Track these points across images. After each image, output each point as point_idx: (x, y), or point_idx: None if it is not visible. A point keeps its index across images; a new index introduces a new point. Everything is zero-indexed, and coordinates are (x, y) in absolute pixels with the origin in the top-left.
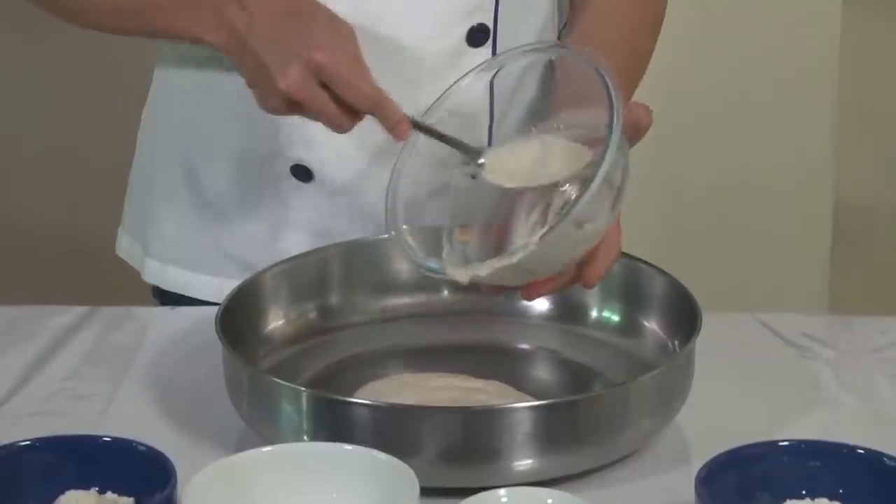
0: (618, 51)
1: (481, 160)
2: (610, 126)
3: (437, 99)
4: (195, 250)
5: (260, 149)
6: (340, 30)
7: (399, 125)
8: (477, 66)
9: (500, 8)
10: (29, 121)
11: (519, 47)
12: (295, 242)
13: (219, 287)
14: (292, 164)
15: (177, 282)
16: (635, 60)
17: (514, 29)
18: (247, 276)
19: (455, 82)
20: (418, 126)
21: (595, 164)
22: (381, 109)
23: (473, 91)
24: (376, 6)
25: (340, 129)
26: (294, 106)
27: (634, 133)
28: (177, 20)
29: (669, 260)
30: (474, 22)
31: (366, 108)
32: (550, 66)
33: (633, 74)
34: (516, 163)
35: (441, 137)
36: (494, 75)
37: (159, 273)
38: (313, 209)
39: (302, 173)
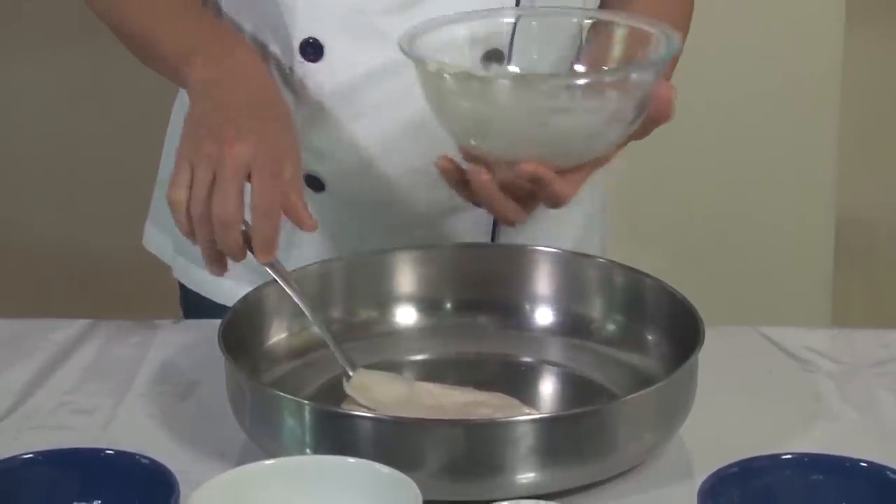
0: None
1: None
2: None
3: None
4: None
5: None
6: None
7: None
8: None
9: (516, 35)
10: (30, 134)
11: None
12: (309, 251)
13: (235, 292)
14: (304, 173)
15: (200, 281)
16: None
17: (531, 55)
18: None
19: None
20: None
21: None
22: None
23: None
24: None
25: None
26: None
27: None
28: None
29: (672, 273)
30: (489, 46)
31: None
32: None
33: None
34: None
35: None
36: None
37: (185, 271)
38: (326, 219)
39: (315, 183)
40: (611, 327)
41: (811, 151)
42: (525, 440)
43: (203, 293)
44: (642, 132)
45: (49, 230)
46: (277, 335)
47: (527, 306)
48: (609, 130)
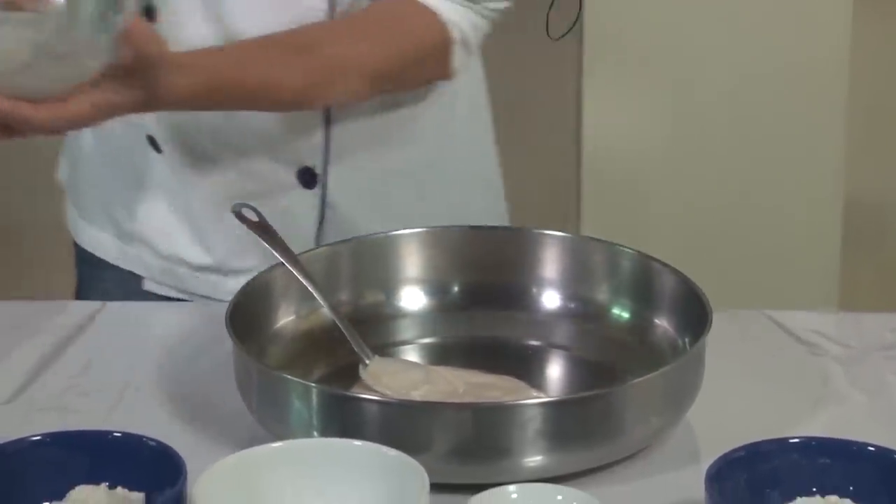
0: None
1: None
2: None
3: None
4: (83, 197)
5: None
6: None
7: None
8: None
9: (329, 154)
10: None
11: None
12: (153, 210)
13: (95, 239)
14: (147, 133)
15: (75, 223)
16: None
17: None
18: (116, 233)
19: None
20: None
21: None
22: None
23: None
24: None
25: None
26: None
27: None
28: None
29: (680, 257)
30: (302, 164)
31: None
32: None
33: (258, 54)
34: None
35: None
36: None
37: (70, 211)
38: (168, 180)
39: (154, 144)
40: (618, 311)
41: (819, 136)
42: (533, 423)
43: (73, 235)
44: (139, 73)
45: (52, 215)
46: (285, 318)
47: (534, 290)
48: (55, 62)
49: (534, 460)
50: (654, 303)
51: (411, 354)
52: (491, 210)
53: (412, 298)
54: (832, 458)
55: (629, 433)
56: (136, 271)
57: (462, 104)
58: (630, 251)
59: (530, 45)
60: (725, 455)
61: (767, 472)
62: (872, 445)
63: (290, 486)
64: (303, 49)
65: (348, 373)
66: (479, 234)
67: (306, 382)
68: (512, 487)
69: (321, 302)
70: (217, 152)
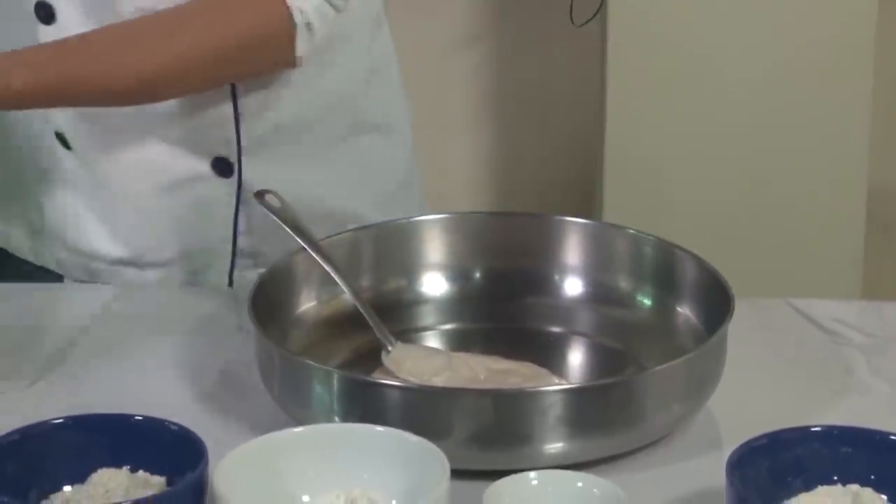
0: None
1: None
2: None
3: None
4: None
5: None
6: None
7: None
8: None
9: (242, 142)
10: None
11: None
12: (66, 205)
13: (7, 235)
14: (55, 130)
15: None
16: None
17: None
18: (27, 230)
19: None
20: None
21: None
22: None
23: None
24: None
25: None
26: None
27: None
28: None
29: (703, 245)
30: (216, 154)
31: None
32: None
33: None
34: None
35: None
36: None
37: None
38: (79, 176)
39: (63, 141)
40: (640, 298)
41: (843, 123)
42: (554, 410)
43: None
44: None
45: None
46: (307, 303)
47: (556, 276)
48: None
49: (554, 447)
50: (676, 290)
51: (432, 340)
52: (407, 199)
53: (434, 284)
54: (854, 447)
55: (650, 420)
56: (50, 267)
57: (377, 85)
58: (652, 238)
59: (553, 31)
60: (747, 443)
61: (789, 460)
62: (894, 434)
63: (311, 470)
64: (140, 38)
65: (369, 358)
66: (501, 220)
67: (328, 368)
68: (532, 474)
69: (343, 287)
70: (129, 146)
